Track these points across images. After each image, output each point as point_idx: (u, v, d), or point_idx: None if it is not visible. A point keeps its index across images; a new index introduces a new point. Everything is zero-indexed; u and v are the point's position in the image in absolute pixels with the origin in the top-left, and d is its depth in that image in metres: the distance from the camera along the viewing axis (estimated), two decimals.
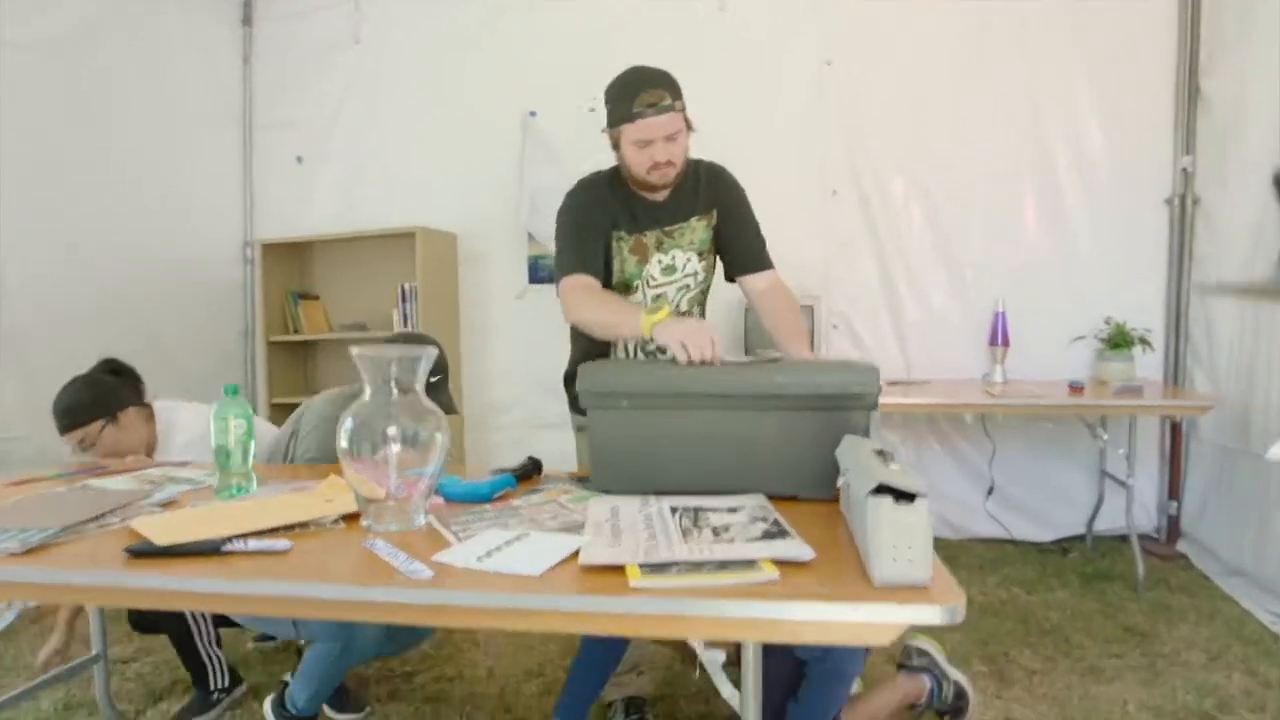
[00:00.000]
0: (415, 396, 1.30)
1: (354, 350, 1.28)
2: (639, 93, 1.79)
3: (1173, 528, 3.57)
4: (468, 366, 4.10)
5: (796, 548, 1.08)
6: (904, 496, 0.98)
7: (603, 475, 1.47)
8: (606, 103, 1.87)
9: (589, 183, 1.98)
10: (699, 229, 2.03)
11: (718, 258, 2.09)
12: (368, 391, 1.28)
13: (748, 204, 2.09)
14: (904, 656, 2.24)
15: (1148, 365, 3.38)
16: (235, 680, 2.27)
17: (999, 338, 3.46)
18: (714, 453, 1.43)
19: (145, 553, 1.16)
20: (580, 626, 1.04)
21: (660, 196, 2.00)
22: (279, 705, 2.05)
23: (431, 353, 1.31)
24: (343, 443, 1.27)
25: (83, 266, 3.36)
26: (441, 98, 4.06)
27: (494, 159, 3.93)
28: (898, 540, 0.96)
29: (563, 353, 2.11)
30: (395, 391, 1.27)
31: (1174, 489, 3.57)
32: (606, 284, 1.93)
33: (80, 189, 3.38)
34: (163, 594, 1.10)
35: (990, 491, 3.66)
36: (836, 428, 1.38)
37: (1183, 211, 3.45)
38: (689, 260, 2.02)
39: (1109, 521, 3.54)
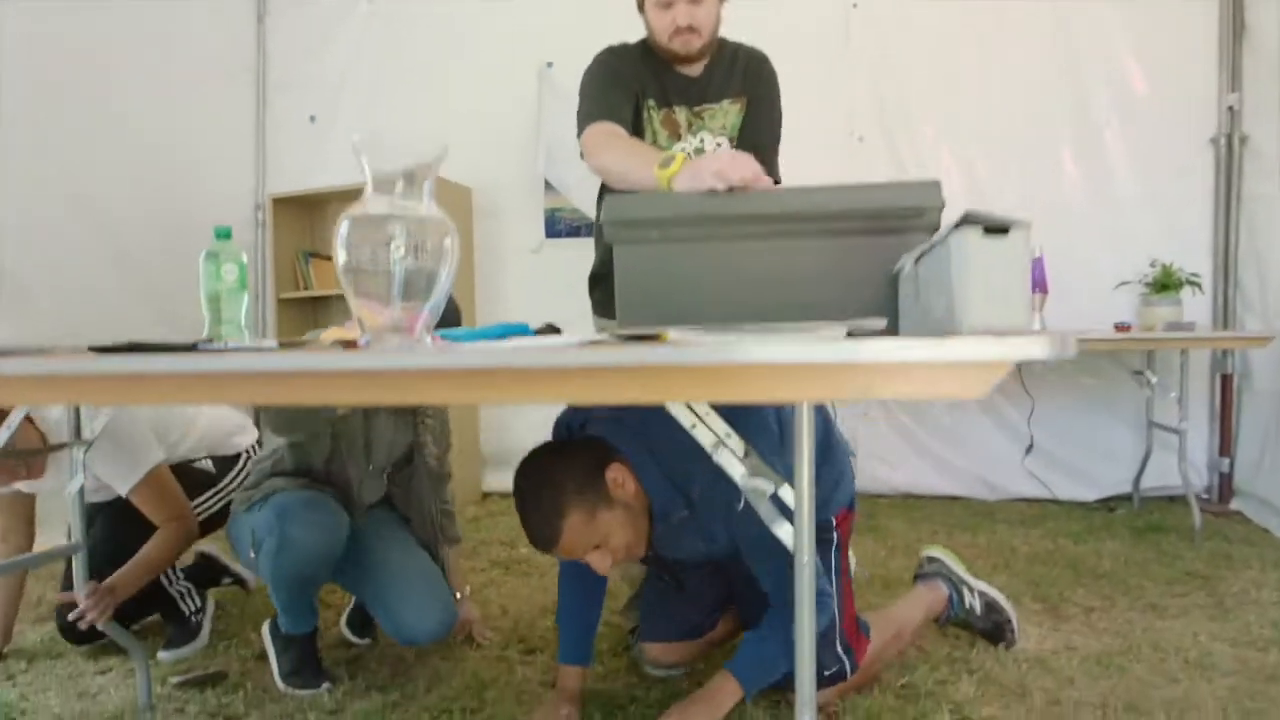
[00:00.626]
0: (425, 203, 1.16)
1: (355, 137, 1.14)
2: None
3: (1225, 486, 3.36)
4: (483, 323, 3.96)
5: (869, 323, 0.93)
6: (996, 231, 0.82)
7: (630, 314, 1.32)
8: None
9: (619, 48, 1.86)
10: (731, 113, 1.90)
11: None
12: (369, 189, 1.14)
13: (778, 105, 1.96)
14: (918, 569, 2.13)
15: (1195, 309, 3.20)
16: (204, 600, 2.18)
17: (1037, 284, 3.29)
18: (753, 287, 1.28)
19: (112, 349, 1.02)
20: (606, 390, 0.87)
21: (693, 71, 1.86)
22: (273, 627, 1.92)
23: (443, 154, 1.18)
24: (341, 254, 1.13)
25: (86, 216, 3.26)
26: (457, 52, 3.96)
27: (510, 113, 3.83)
28: (990, 278, 0.81)
29: (582, 306, 2.05)
30: (401, 184, 1.13)
31: (1225, 445, 3.37)
32: None
33: (86, 141, 3.28)
34: (131, 379, 0.96)
35: (1029, 449, 3.46)
36: (891, 254, 1.23)
37: (1229, 151, 3.29)
38: (719, 146, 1.88)
39: (1156, 479, 3.33)
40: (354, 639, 2.13)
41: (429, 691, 1.82)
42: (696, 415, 1.15)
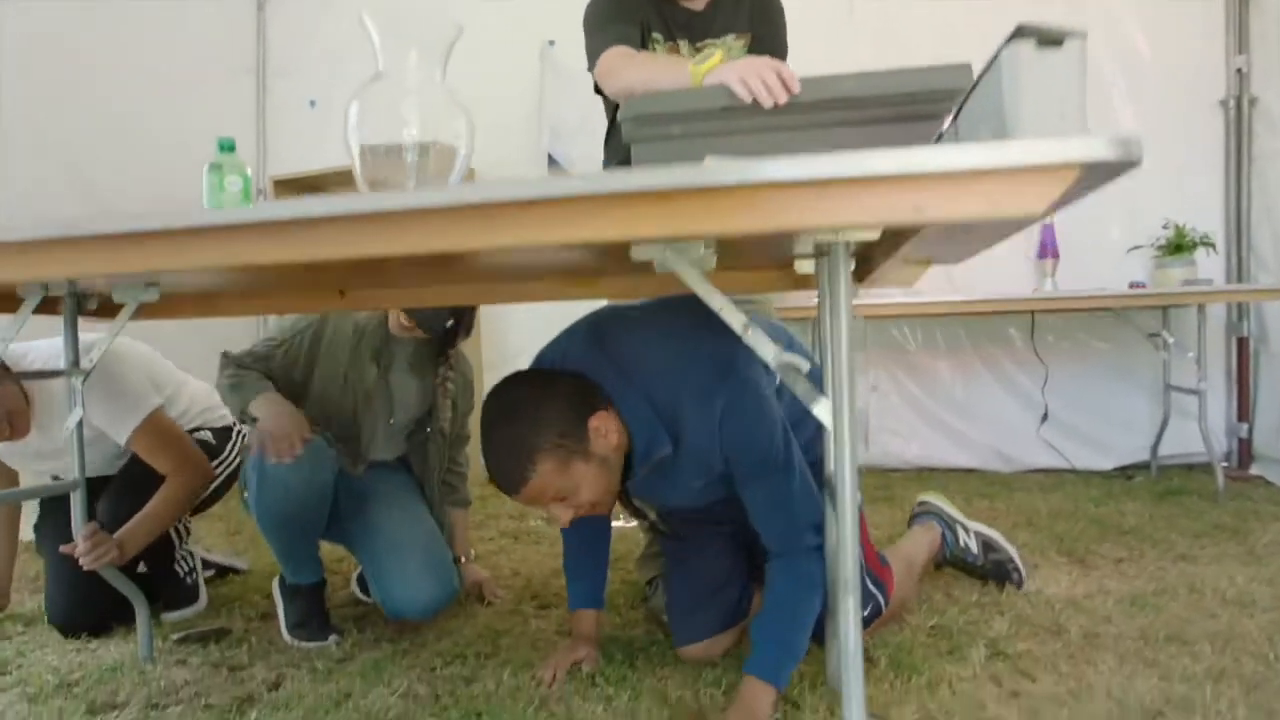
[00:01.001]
0: (440, 88, 1.12)
1: (365, 16, 1.10)
2: None
3: (1244, 452, 3.30)
4: (485, 309, 3.91)
5: None
6: (1050, 42, 0.78)
7: None
8: None
9: None
10: (735, 49, 1.85)
11: None
12: (380, 64, 1.10)
13: (784, 42, 1.92)
14: (911, 515, 2.11)
15: (1209, 270, 3.15)
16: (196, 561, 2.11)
17: (1048, 250, 3.26)
18: None
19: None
20: (628, 222, 0.80)
21: (697, 5, 1.83)
22: (281, 580, 1.86)
23: (457, 34, 1.14)
24: (352, 140, 1.08)
25: (84, 188, 3.22)
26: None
27: (512, 91, 3.80)
28: (1046, 92, 0.76)
29: None
30: (415, 58, 1.09)
31: (1243, 411, 3.32)
32: None
33: (86, 131, 3.24)
34: (130, 238, 0.91)
35: (1044, 418, 3.41)
36: (922, 140, 1.19)
37: (1239, 113, 3.26)
38: None
39: (1174, 446, 3.28)
40: (364, 598, 2.06)
41: (440, 640, 1.75)
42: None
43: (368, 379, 1.89)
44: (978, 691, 1.42)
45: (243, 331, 3.84)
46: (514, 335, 3.86)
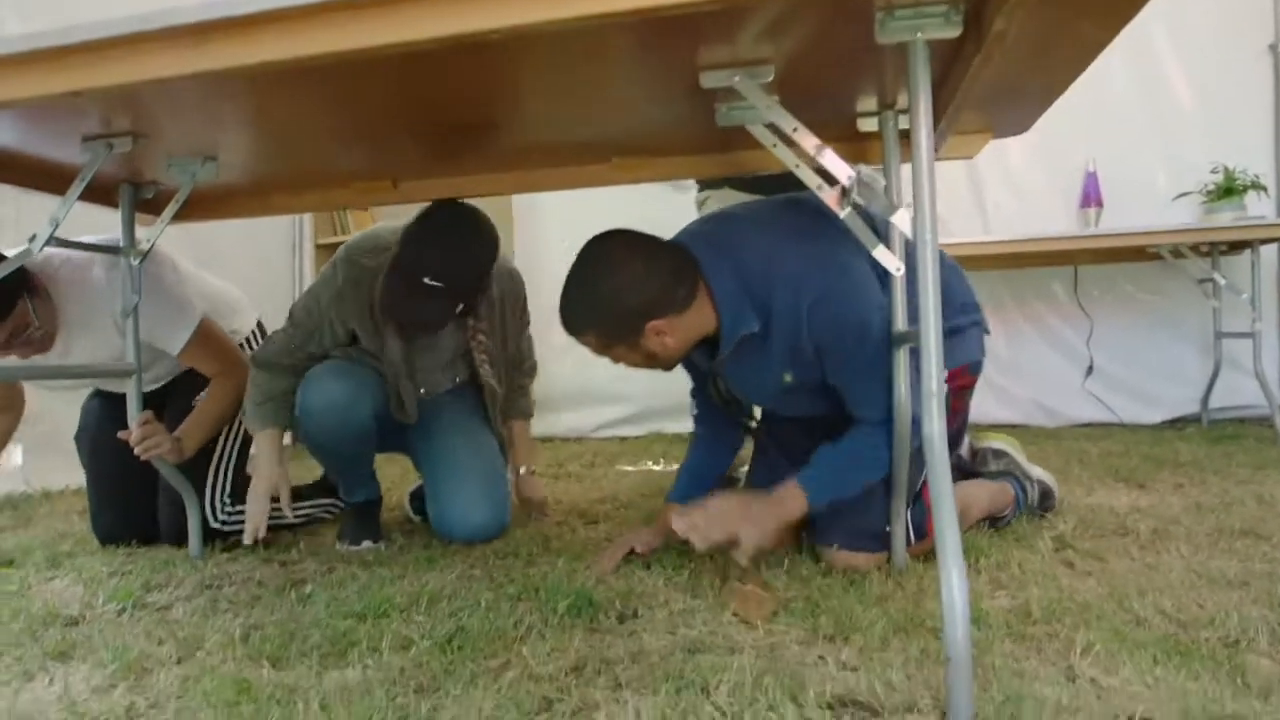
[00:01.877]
0: None
1: None
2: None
3: None
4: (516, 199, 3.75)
5: None
6: None
7: None
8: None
9: None
10: None
11: None
12: None
13: None
14: (978, 462, 1.88)
15: (1260, 215, 3.08)
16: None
17: (1091, 198, 3.20)
18: None
19: None
20: None
21: None
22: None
23: None
24: None
25: None
26: None
27: None
28: None
29: None
30: None
31: None
32: None
33: None
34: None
35: (1089, 371, 3.34)
36: None
37: None
38: None
39: (1225, 399, 3.19)
40: (415, 518, 2.04)
41: (488, 544, 1.73)
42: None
43: (392, 354, 1.76)
44: (1049, 569, 1.38)
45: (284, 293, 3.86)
46: (550, 225, 3.67)
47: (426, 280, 1.53)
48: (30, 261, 1.43)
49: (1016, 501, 1.76)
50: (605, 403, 3.71)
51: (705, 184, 2.17)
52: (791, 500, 1.35)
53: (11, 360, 1.66)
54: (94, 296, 1.67)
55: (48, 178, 1.50)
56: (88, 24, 0.94)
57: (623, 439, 3.65)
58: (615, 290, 1.30)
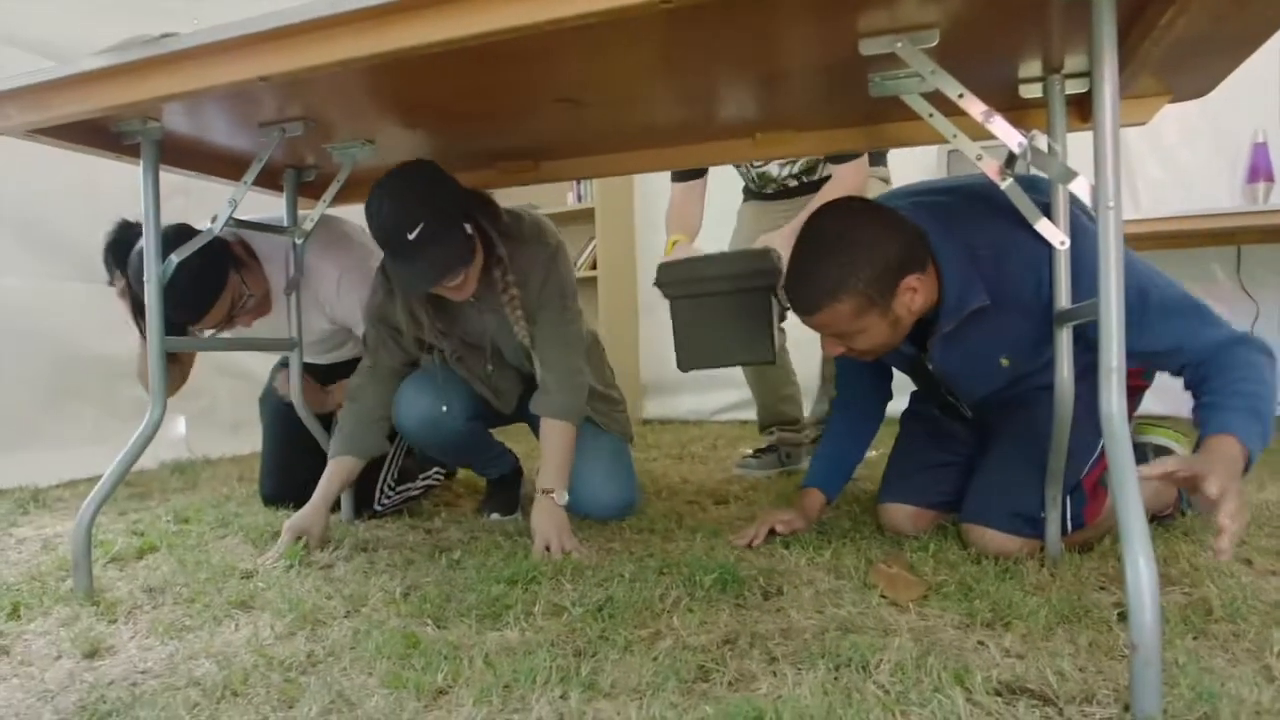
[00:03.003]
0: None
1: None
2: None
3: None
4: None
5: None
6: None
7: None
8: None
9: None
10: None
11: None
12: None
13: None
14: (1138, 459, 1.71)
15: None
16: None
17: (1260, 172, 2.94)
18: None
19: None
20: None
21: None
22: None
23: None
24: None
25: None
26: None
27: None
28: None
29: None
30: None
31: None
32: None
33: None
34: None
35: None
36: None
37: None
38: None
39: None
40: None
41: (622, 520, 1.75)
42: None
43: (451, 346, 1.70)
44: (1226, 566, 1.28)
45: None
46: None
47: (409, 237, 1.39)
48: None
49: (1181, 500, 1.64)
50: (724, 387, 3.70)
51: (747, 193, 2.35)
52: (1232, 451, 1.06)
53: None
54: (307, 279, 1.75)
55: (222, 164, 1.62)
56: (275, 12, 1.00)
57: (743, 422, 3.63)
58: (870, 245, 1.22)
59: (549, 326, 1.63)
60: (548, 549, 1.45)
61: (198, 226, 1.54)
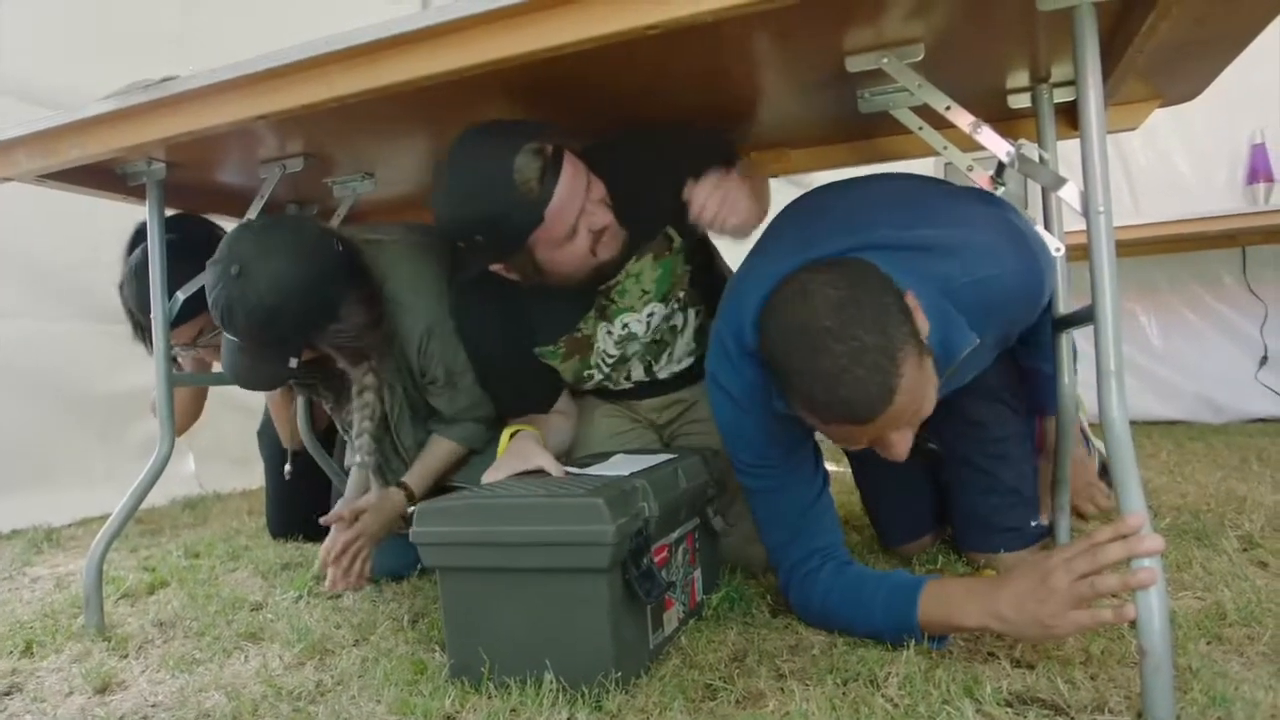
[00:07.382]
0: None
1: None
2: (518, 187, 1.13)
3: None
4: None
5: None
6: None
7: None
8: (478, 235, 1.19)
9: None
10: (646, 269, 1.37)
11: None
12: None
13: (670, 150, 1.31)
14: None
15: None
16: None
17: (1260, 173, 2.94)
18: None
19: None
20: None
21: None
22: None
23: None
24: None
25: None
26: None
27: None
28: None
29: None
30: None
31: None
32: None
33: None
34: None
35: (1263, 361, 3.06)
36: None
37: None
38: (650, 315, 1.41)
39: None
40: None
41: None
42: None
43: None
44: (1239, 570, 1.26)
45: None
46: None
47: (229, 337, 1.29)
48: None
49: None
50: None
51: None
52: None
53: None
54: None
55: (225, 201, 1.64)
56: (269, 54, 1.03)
57: None
58: (869, 303, 0.91)
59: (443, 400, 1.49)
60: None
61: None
